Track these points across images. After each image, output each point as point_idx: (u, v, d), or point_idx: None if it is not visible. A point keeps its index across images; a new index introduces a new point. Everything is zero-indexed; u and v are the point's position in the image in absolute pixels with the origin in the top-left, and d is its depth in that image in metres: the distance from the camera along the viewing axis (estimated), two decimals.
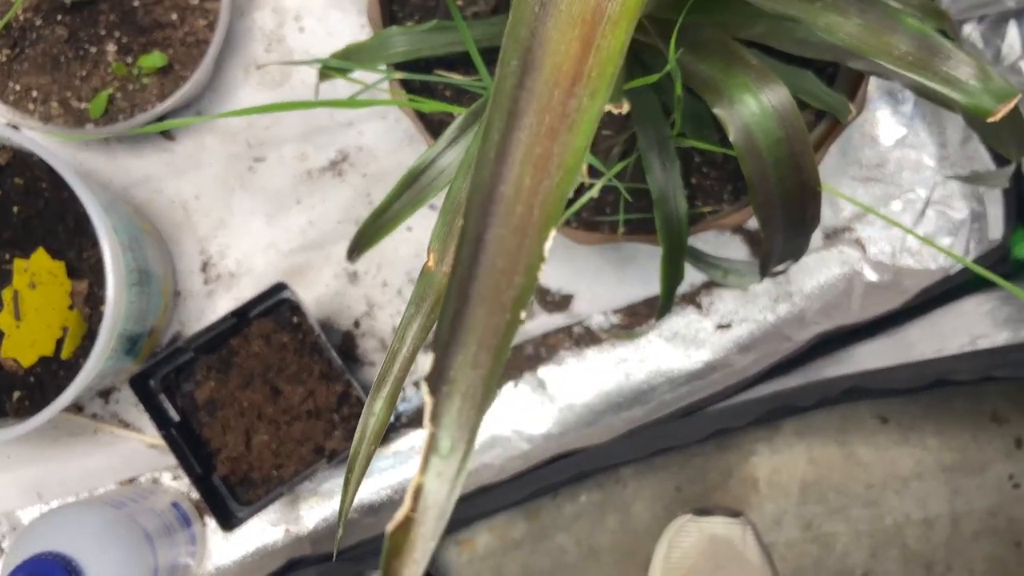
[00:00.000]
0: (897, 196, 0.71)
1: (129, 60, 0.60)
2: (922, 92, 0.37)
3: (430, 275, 0.23)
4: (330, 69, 0.44)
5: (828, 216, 0.71)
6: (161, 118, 0.61)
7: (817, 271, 0.70)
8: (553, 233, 0.15)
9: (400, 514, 0.16)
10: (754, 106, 0.37)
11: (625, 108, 0.33)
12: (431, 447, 0.17)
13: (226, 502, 0.56)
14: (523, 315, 0.16)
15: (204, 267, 0.67)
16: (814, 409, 0.58)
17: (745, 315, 0.69)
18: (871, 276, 0.70)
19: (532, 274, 0.15)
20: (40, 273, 0.53)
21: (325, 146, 0.68)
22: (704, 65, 0.39)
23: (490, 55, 0.48)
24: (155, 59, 0.58)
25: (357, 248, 0.48)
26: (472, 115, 0.44)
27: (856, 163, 0.72)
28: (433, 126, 0.47)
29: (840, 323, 0.69)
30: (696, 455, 0.71)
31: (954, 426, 0.72)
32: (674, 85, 0.40)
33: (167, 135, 0.66)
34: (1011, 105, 0.31)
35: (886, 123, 0.71)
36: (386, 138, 0.68)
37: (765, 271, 0.45)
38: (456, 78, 0.46)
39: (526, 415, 0.68)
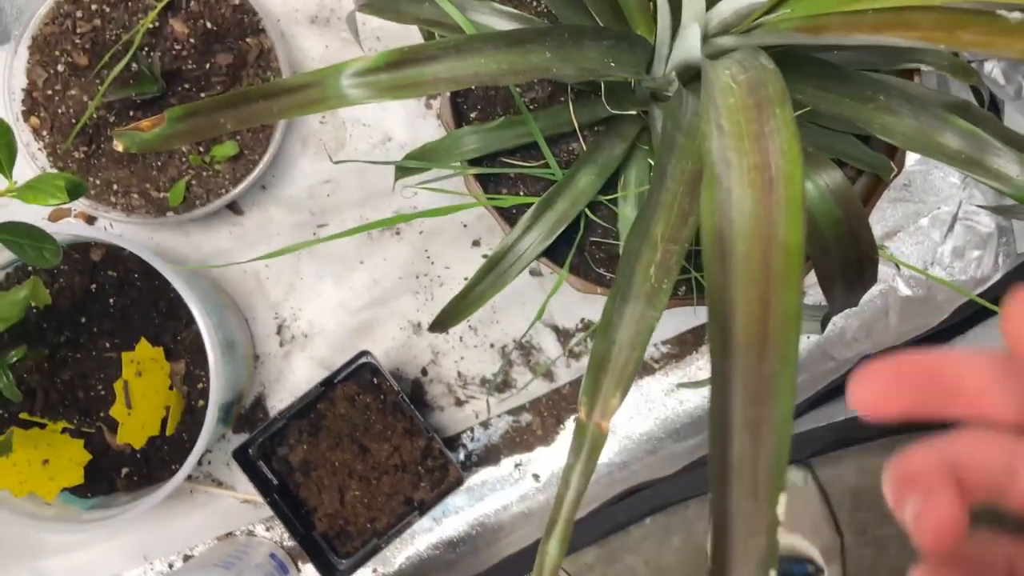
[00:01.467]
0: (925, 213, 0.75)
1: (202, 149, 0.63)
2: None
3: (584, 427, 0.27)
4: (406, 169, 0.48)
5: None
6: (233, 200, 0.65)
7: None
8: (783, 498, 0.19)
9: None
10: (813, 191, 0.41)
11: None
12: None
13: (327, 555, 0.61)
14: (773, 573, 0.19)
15: (279, 330, 0.71)
16: (878, 439, 0.61)
17: None
18: (905, 290, 0.74)
19: (772, 536, 0.19)
20: (144, 361, 0.57)
21: (382, 208, 0.71)
22: None
23: (551, 142, 0.52)
24: (227, 148, 0.62)
25: (442, 324, 0.52)
26: (544, 203, 0.48)
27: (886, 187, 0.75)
28: (508, 214, 0.51)
29: (879, 341, 0.72)
30: None
31: None
32: None
33: (236, 210, 0.70)
34: None
35: None
36: (440, 197, 0.72)
37: (825, 324, 0.48)
38: (526, 166, 0.50)
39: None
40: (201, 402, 0.60)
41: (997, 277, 0.70)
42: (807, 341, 0.73)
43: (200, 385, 0.61)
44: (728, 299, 0.20)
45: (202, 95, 0.64)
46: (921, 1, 0.26)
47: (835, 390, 0.69)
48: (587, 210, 0.49)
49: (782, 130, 0.23)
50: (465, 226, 0.72)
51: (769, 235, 0.21)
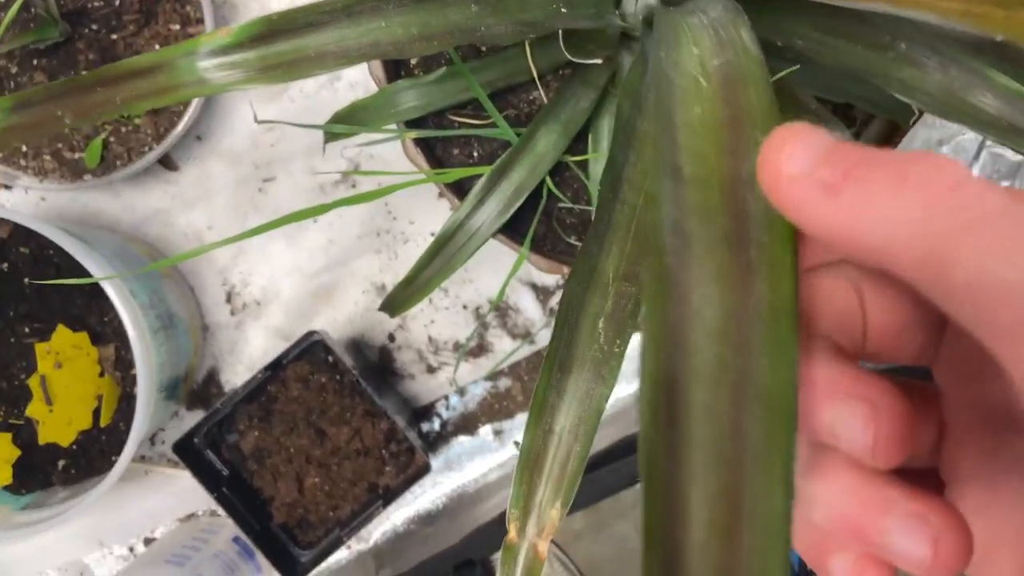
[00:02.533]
0: (946, 140, 0.67)
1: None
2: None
3: (514, 549, 0.20)
4: (333, 135, 0.40)
5: None
6: (163, 156, 0.58)
7: None
8: None
9: None
10: None
11: None
12: None
13: (287, 547, 0.56)
14: None
15: (229, 298, 0.65)
16: None
17: None
18: None
19: None
20: (64, 350, 0.51)
21: (336, 158, 0.64)
22: None
23: (510, 91, 0.44)
24: None
25: (389, 310, 0.45)
26: (497, 172, 0.40)
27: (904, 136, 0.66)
28: (460, 183, 0.43)
29: None
30: None
31: None
32: None
33: (170, 166, 0.62)
34: None
35: None
36: (398, 144, 0.64)
37: None
38: (476, 124, 0.42)
39: None
40: (136, 389, 0.54)
41: None
42: None
43: (135, 370, 0.55)
44: (677, 500, 0.13)
45: (113, 36, 0.55)
46: None
47: None
48: (550, 178, 0.42)
49: None
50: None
51: (742, 374, 0.13)
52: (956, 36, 0.31)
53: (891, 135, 0.43)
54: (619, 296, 0.20)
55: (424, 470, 0.55)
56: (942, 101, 0.29)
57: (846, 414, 0.15)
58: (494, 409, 0.67)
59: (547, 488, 0.20)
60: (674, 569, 0.12)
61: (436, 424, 0.67)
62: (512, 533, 0.20)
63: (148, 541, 0.66)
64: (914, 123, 0.42)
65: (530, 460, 0.20)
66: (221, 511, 0.62)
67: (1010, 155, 0.65)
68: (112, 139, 0.56)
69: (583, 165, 0.42)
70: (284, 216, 0.36)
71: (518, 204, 0.40)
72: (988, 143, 0.66)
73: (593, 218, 0.24)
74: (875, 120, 0.44)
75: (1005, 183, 0.65)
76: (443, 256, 0.41)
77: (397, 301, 0.43)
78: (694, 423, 0.13)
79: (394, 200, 0.64)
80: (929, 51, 0.29)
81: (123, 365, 0.55)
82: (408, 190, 0.65)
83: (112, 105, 0.26)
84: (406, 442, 0.56)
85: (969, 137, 0.66)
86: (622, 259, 0.21)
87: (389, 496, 0.54)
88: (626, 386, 0.66)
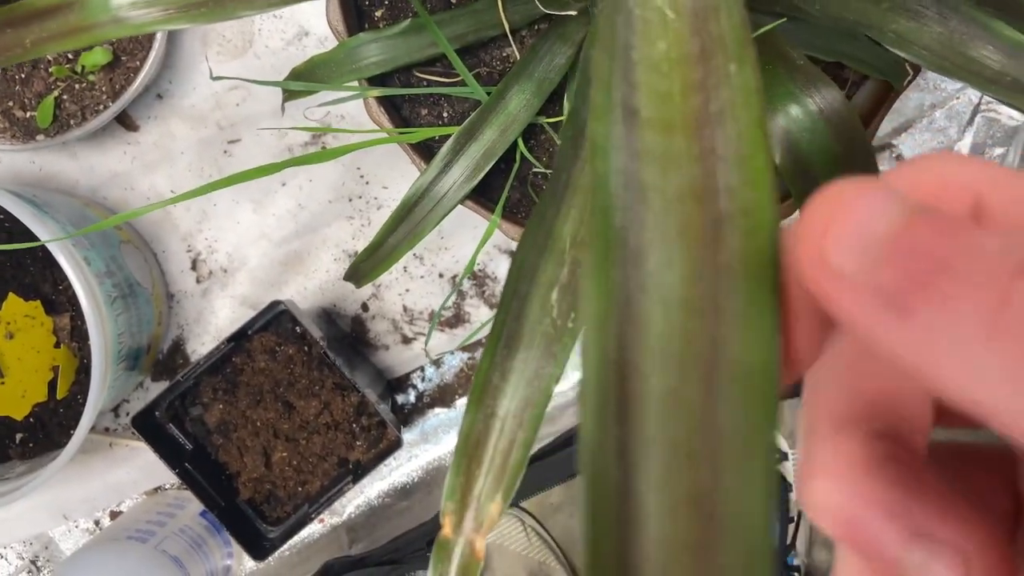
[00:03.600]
0: (940, 105, 0.64)
1: (70, 57, 0.52)
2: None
3: (447, 546, 0.18)
4: (292, 93, 0.37)
5: None
6: (120, 113, 0.55)
7: None
8: None
9: None
10: (803, 119, 0.31)
11: None
12: None
13: (254, 524, 0.54)
14: None
15: (194, 265, 0.62)
16: None
17: None
18: None
19: None
20: (16, 320, 0.49)
21: (303, 118, 0.61)
22: None
23: (480, 47, 0.41)
24: (97, 56, 0.51)
25: (354, 279, 0.43)
26: (465, 132, 0.38)
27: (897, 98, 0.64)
28: (426, 146, 0.41)
29: None
30: None
31: None
32: None
33: (129, 126, 0.59)
34: None
35: None
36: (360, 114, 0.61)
37: None
38: (444, 82, 0.39)
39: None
40: None
41: None
42: None
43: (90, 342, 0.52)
44: (628, 513, 0.10)
45: None
46: None
47: None
48: (523, 141, 0.39)
49: (739, 109, 0.13)
50: None
51: (713, 346, 0.11)
52: None
53: (884, 97, 0.40)
54: (575, 264, 0.18)
55: (395, 445, 0.53)
56: (941, 55, 0.26)
57: (926, 559, 0.12)
58: (471, 380, 0.65)
59: (487, 480, 0.18)
60: None
61: (412, 396, 0.65)
62: (447, 528, 0.19)
63: (114, 515, 0.64)
64: (908, 84, 0.39)
65: (469, 447, 0.18)
66: None
67: (1005, 120, 0.63)
68: (65, 97, 0.53)
69: (558, 128, 0.40)
70: (245, 171, 0.34)
71: (488, 168, 0.38)
72: (982, 108, 0.63)
73: (550, 176, 0.21)
74: (867, 81, 0.42)
75: (999, 149, 0.63)
76: (409, 223, 0.39)
77: (362, 270, 0.41)
78: (652, 415, 0.10)
79: (366, 164, 0.61)
80: (927, 0, 0.27)
81: (80, 335, 0.53)
82: (381, 153, 0.62)
83: (21, 48, 0.23)
84: (377, 416, 0.54)
85: (963, 101, 0.63)
86: (581, 223, 0.19)
87: (360, 471, 0.53)
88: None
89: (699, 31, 0.15)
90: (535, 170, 0.43)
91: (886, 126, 0.65)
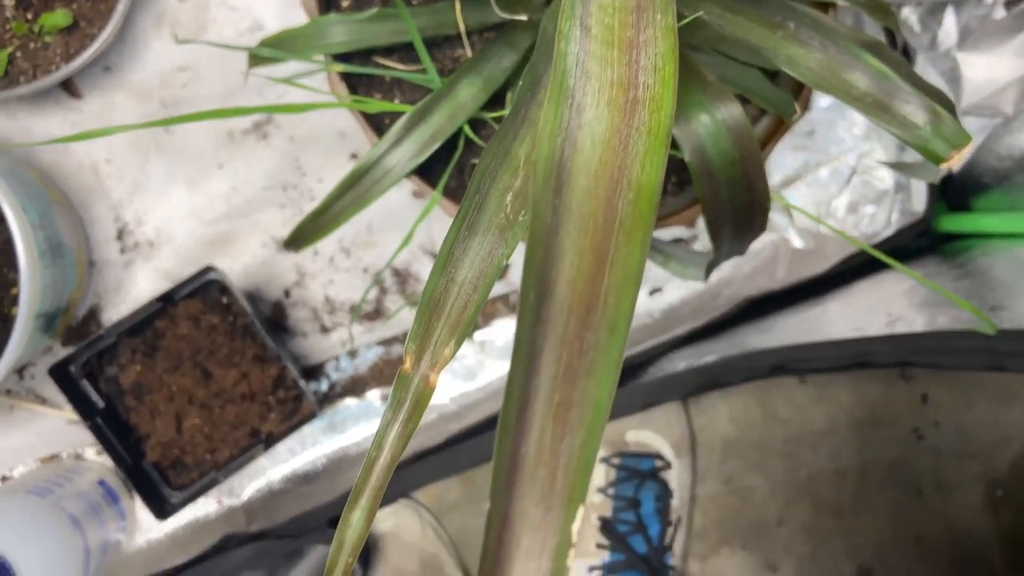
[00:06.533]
0: (825, 163, 0.73)
1: (30, 16, 0.54)
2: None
3: (406, 378, 0.22)
4: (260, 58, 0.41)
5: None
6: (67, 79, 0.56)
7: None
8: (581, 512, 0.15)
9: None
10: (710, 125, 0.37)
11: None
12: None
13: (158, 488, 0.55)
14: None
15: (120, 235, 0.63)
16: (741, 383, 0.60)
17: (677, 282, 0.70)
18: (797, 243, 0.72)
19: (560, 561, 0.14)
20: None
21: (248, 102, 0.64)
22: None
23: (435, 45, 0.46)
24: (58, 18, 0.52)
25: (294, 245, 0.46)
26: (418, 114, 0.42)
27: (787, 130, 0.72)
28: (375, 119, 0.45)
29: (764, 287, 0.71)
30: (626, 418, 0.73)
31: (866, 384, 0.76)
32: None
33: (73, 92, 0.61)
34: (964, 152, 0.31)
35: (818, 93, 0.71)
36: (313, 99, 0.65)
37: (709, 273, 0.45)
38: (400, 69, 0.43)
39: (465, 376, 0.68)
40: (15, 309, 0.52)
41: (890, 232, 0.69)
42: (694, 287, 0.70)
43: (14, 291, 0.53)
44: (555, 246, 0.15)
45: None
46: None
47: (711, 328, 0.67)
48: (468, 127, 0.44)
49: (659, 41, 0.18)
50: (343, 136, 0.65)
51: (621, 170, 0.16)
52: (833, 27, 0.35)
53: (776, 129, 0.47)
54: (527, 177, 0.23)
55: (309, 416, 0.55)
56: (820, 75, 0.33)
57: None
58: (384, 375, 0.68)
59: (444, 329, 0.22)
60: (546, 298, 0.14)
61: (324, 385, 0.67)
62: (407, 365, 0.22)
63: (4, 479, 0.63)
64: (796, 120, 0.46)
65: (431, 304, 0.22)
66: (87, 455, 0.60)
67: (877, 183, 0.72)
68: (19, 54, 0.55)
69: (499, 122, 0.45)
70: (215, 110, 0.36)
71: (435, 147, 0.42)
72: (859, 170, 0.72)
73: (508, 112, 0.26)
74: (765, 116, 0.49)
75: (871, 208, 0.72)
76: (357, 190, 0.42)
77: (305, 233, 0.44)
78: (575, 196, 0.16)
79: (306, 155, 0.64)
80: (813, 32, 0.33)
81: (3, 283, 0.53)
82: (322, 147, 0.65)
83: None
84: (295, 389, 0.56)
85: (844, 163, 0.72)
86: (533, 148, 0.24)
87: (271, 441, 0.54)
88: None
89: None
90: (473, 161, 0.47)
91: (776, 177, 0.73)
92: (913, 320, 0.55)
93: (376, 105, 0.41)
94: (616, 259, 0.16)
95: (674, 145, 0.39)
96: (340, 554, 0.20)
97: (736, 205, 0.39)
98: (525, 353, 0.15)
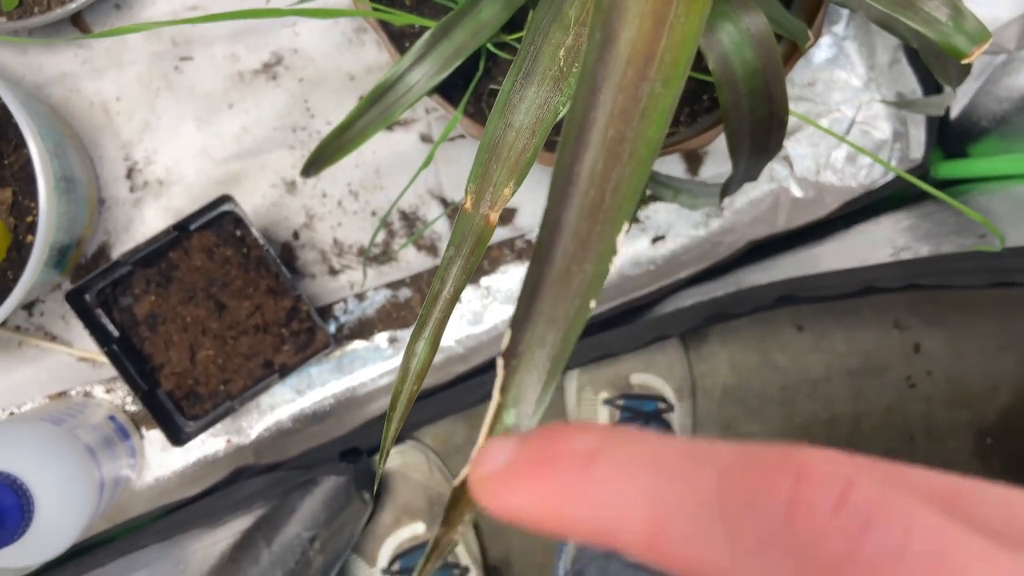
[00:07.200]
0: (825, 115, 0.74)
1: None
2: (891, 28, 0.39)
3: (467, 216, 0.23)
4: None
5: None
6: (78, 13, 0.56)
7: (748, 187, 0.73)
8: (626, 227, 0.16)
9: (464, 472, 0.16)
10: (735, 34, 0.38)
11: None
12: (496, 416, 0.17)
13: (173, 417, 0.55)
14: (593, 303, 0.16)
15: (129, 174, 0.63)
16: (748, 315, 0.61)
17: (679, 230, 0.71)
18: (796, 192, 0.74)
19: (604, 264, 0.15)
20: None
21: (258, 47, 0.64)
22: None
23: None
24: None
25: (315, 165, 0.47)
26: (442, 29, 0.42)
27: (788, 81, 0.73)
28: (397, 38, 0.45)
29: (765, 233, 0.72)
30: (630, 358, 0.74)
31: (861, 333, 0.78)
32: None
33: (84, 28, 0.61)
34: (984, 47, 0.32)
35: (819, 43, 0.73)
36: (325, 40, 0.65)
37: (725, 195, 0.46)
38: None
39: (471, 320, 0.69)
40: (31, 237, 0.53)
41: (889, 179, 0.70)
42: (696, 235, 0.71)
43: (30, 219, 0.53)
44: (578, 155, 0.16)
45: None
46: None
47: (714, 271, 0.68)
48: (491, 46, 0.44)
49: (687, 24, 0.19)
50: (352, 79, 0.65)
51: (648, 95, 0.17)
52: None
53: (790, 56, 0.48)
54: (579, 35, 0.23)
55: (324, 346, 0.56)
56: None
57: None
58: (391, 317, 0.68)
59: (502, 171, 0.22)
60: (570, 185, 0.15)
61: (332, 327, 0.68)
62: (468, 204, 0.23)
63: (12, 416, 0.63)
64: (809, 47, 0.47)
65: (489, 147, 0.23)
66: (95, 393, 0.60)
67: (877, 133, 0.73)
68: None
69: (519, 42, 0.45)
70: (243, 10, 0.36)
71: (457, 64, 0.43)
72: (858, 121, 0.74)
73: None
74: (780, 41, 0.50)
75: (868, 159, 0.74)
76: (380, 106, 0.43)
77: (328, 151, 0.45)
78: (597, 131, 0.17)
79: (315, 97, 0.65)
80: None
81: (19, 211, 0.53)
82: (331, 89, 0.66)
83: None
84: (308, 321, 0.57)
85: (845, 113, 0.74)
86: (583, 10, 0.24)
87: (285, 372, 0.55)
88: None
89: None
90: (491, 86, 0.48)
91: None
92: (919, 250, 0.57)
93: (402, 17, 0.41)
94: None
95: (697, 63, 0.40)
96: (405, 383, 0.21)
97: (756, 117, 0.40)
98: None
